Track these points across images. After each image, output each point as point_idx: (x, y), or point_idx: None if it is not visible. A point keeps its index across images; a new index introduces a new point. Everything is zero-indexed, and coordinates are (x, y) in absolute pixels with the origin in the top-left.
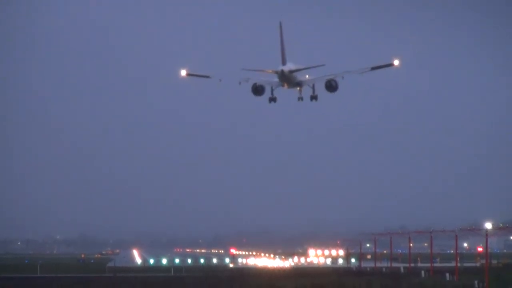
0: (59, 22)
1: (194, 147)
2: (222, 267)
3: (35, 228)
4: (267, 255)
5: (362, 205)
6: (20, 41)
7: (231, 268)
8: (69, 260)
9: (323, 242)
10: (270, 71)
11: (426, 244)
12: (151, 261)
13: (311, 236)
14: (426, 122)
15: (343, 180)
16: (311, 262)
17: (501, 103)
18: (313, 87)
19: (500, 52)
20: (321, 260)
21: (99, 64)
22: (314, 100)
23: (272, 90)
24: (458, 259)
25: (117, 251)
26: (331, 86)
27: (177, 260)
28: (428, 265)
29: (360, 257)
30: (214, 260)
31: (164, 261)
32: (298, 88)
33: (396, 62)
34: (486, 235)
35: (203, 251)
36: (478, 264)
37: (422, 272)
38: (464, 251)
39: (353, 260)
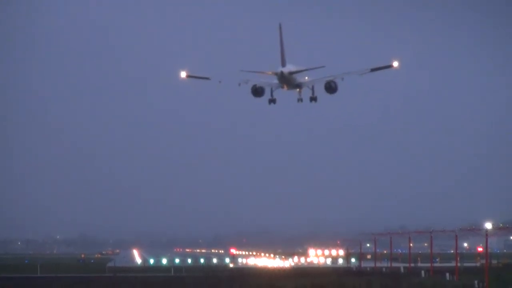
0: (59, 22)
1: (194, 147)
2: (222, 267)
3: (35, 228)
4: (267, 255)
5: (362, 205)
6: (20, 41)
7: (231, 268)
8: (69, 260)
9: (323, 242)
10: (270, 72)
11: (426, 244)
12: (151, 261)
13: (311, 236)
14: (426, 122)
15: (343, 180)
16: (311, 262)
17: (501, 103)
18: (312, 89)
19: (500, 52)
20: (321, 260)
21: (99, 64)
22: (313, 102)
23: (271, 92)
24: (458, 259)
25: (117, 251)
26: (330, 87)
27: (177, 260)
28: (428, 265)
29: (360, 257)
30: (214, 260)
31: (164, 261)
32: (298, 89)
33: (395, 64)
34: (486, 235)
35: (203, 251)
36: (478, 264)
37: (422, 272)
38: (464, 251)
39: (353, 260)
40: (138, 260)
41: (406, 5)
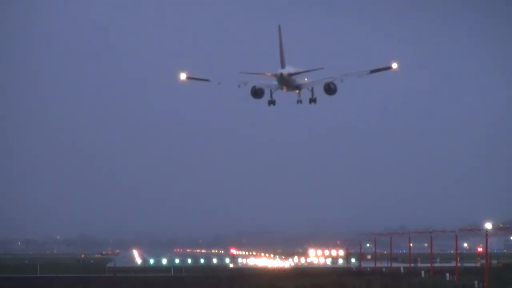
0: (59, 22)
1: (194, 147)
2: (222, 267)
3: (35, 228)
4: (267, 255)
5: (362, 205)
6: (20, 41)
7: (231, 268)
8: (69, 260)
9: (323, 242)
10: (269, 74)
11: (426, 244)
12: (151, 261)
13: (311, 236)
14: (426, 122)
15: (343, 180)
16: (311, 262)
17: (501, 103)
18: (312, 90)
19: (500, 52)
20: (321, 260)
21: (99, 64)
22: (313, 103)
23: (271, 93)
24: (458, 259)
25: (117, 251)
26: (330, 89)
27: (177, 260)
28: (428, 265)
29: (360, 257)
30: (214, 260)
31: (164, 261)
32: (297, 91)
33: (394, 66)
34: (486, 235)
35: (203, 251)
36: (478, 264)
37: (422, 272)
38: (464, 251)
39: (353, 260)
40: (138, 260)
41: (406, 5)
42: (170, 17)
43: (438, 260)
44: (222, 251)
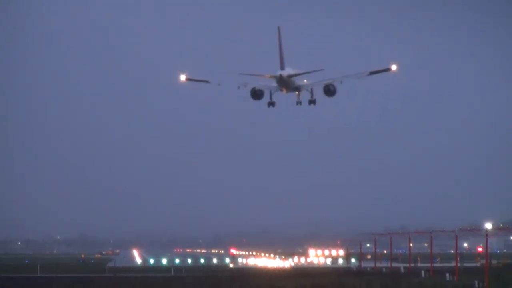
0: (59, 22)
1: (194, 147)
2: (222, 267)
3: (35, 228)
4: (267, 255)
5: (362, 205)
6: (20, 41)
7: (231, 268)
8: (69, 260)
9: (323, 242)
10: (269, 75)
11: (426, 244)
12: (151, 261)
13: (311, 236)
14: (426, 122)
15: (343, 180)
16: (311, 262)
17: (501, 103)
18: (311, 92)
19: (500, 52)
20: (321, 260)
21: (99, 64)
22: (312, 104)
23: (271, 95)
24: (458, 259)
25: (117, 251)
26: (329, 90)
27: (177, 260)
28: (428, 265)
29: (360, 257)
30: (214, 260)
31: (164, 261)
32: (297, 92)
33: (393, 67)
34: (486, 235)
35: (203, 251)
36: (478, 264)
37: (422, 272)
38: (464, 251)
39: (353, 260)
40: (138, 260)
41: (406, 5)
42: (170, 17)
43: (438, 260)
44: (222, 251)
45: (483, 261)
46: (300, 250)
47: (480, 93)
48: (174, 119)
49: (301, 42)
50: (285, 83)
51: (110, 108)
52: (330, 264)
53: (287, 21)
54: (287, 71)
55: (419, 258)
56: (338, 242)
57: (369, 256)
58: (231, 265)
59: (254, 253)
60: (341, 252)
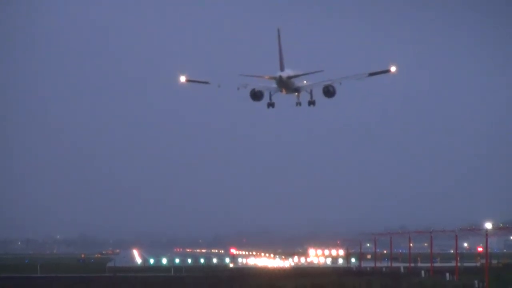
0: (59, 22)
1: (194, 147)
2: (222, 267)
3: (35, 228)
4: (267, 255)
5: (362, 205)
6: (20, 41)
7: (231, 268)
8: (69, 260)
9: (323, 242)
10: (268, 77)
11: (426, 244)
12: (151, 261)
13: (311, 236)
14: (426, 122)
15: (343, 180)
16: (311, 262)
17: (501, 103)
18: (311, 93)
19: (500, 52)
20: (321, 260)
21: (99, 64)
22: (312, 106)
23: (270, 96)
24: (458, 259)
25: (117, 251)
26: (328, 91)
27: (177, 260)
28: (428, 265)
29: (360, 257)
30: (214, 260)
31: (164, 261)
32: (296, 93)
33: (393, 69)
34: (486, 235)
35: (203, 251)
36: (478, 264)
37: (422, 272)
38: (464, 251)
39: (353, 260)
40: (138, 260)
41: (406, 5)
42: (170, 17)
43: (438, 260)
44: (222, 251)
45: (483, 261)
46: (300, 250)
47: (480, 93)
48: (174, 119)
49: (301, 42)
50: (285, 84)
51: (110, 108)
52: (330, 264)
53: (287, 21)
54: (287, 72)
55: (419, 258)
56: (338, 242)
57: (369, 256)
58: (231, 265)
59: (254, 253)
60: (341, 252)
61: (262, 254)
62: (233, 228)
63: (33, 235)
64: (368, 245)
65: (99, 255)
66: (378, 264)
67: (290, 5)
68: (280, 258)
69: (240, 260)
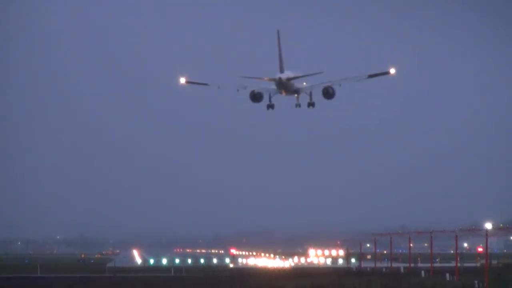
0: (59, 22)
1: (194, 147)
2: (222, 267)
3: (35, 228)
4: (267, 255)
5: (362, 205)
6: (20, 41)
7: (231, 268)
8: (69, 260)
9: (323, 242)
10: (268, 78)
11: (426, 244)
12: (151, 261)
13: (311, 236)
14: (426, 122)
15: (343, 180)
16: (311, 262)
17: (501, 103)
18: (310, 94)
19: (500, 52)
20: (321, 260)
21: (99, 64)
22: (311, 107)
23: (270, 97)
24: (458, 259)
25: (117, 251)
26: (328, 93)
27: (177, 260)
28: (428, 265)
29: (360, 257)
30: (214, 260)
31: (164, 261)
32: (296, 95)
33: (392, 71)
34: (486, 235)
35: (203, 251)
36: (478, 264)
37: (422, 272)
38: (464, 251)
39: (353, 260)
40: (138, 260)
41: (406, 5)
42: (170, 17)
43: (438, 260)
44: (222, 251)
45: (483, 261)
46: (300, 250)
47: (480, 93)
48: (174, 119)
49: (301, 43)
50: (284, 86)
51: (110, 108)
52: (330, 264)
53: (287, 22)
54: (286, 74)
55: (419, 258)
56: (338, 242)
57: (369, 256)
58: (231, 265)
59: (254, 253)
60: (341, 252)
61: (262, 254)
62: (233, 228)
63: (33, 235)
64: (368, 245)
65: (99, 256)
66: (378, 265)
67: (290, 5)
68: (280, 258)
69: (240, 260)
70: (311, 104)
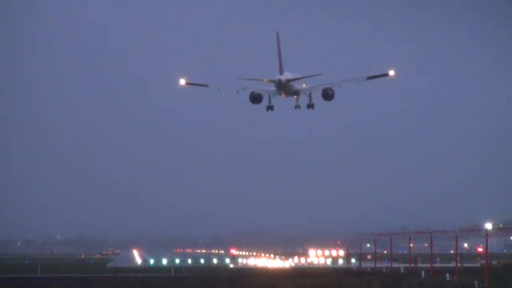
0: (59, 22)
1: (194, 147)
2: (222, 268)
3: (35, 228)
4: (267, 255)
5: (362, 205)
6: (20, 41)
7: (231, 269)
8: (69, 260)
9: (323, 242)
10: (267, 80)
11: (426, 245)
12: (151, 261)
13: (311, 236)
14: (426, 122)
15: (343, 180)
16: (311, 262)
17: (501, 103)
18: (309, 96)
19: (500, 52)
20: (321, 260)
21: (99, 64)
22: (310, 109)
23: (269, 99)
24: (458, 259)
25: (117, 251)
26: (327, 94)
27: (177, 260)
28: (428, 265)
29: (360, 257)
30: (214, 261)
31: (164, 261)
32: (295, 96)
33: (391, 73)
34: (486, 235)
35: (203, 251)
36: (478, 265)
37: (422, 272)
38: (464, 252)
39: (353, 260)
40: (138, 261)
41: (406, 5)
42: (170, 17)
43: (438, 260)
44: (222, 251)
45: (483, 261)
46: (300, 250)
47: (480, 93)
48: (174, 119)
49: (301, 43)
50: (284, 88)
51: (110, 108)
52: (330, 264)
53: (286, 22)
54: (286, 75)
55: (419, 259)
56: (338, 242)
57: (369, 256)
58: (231, 265)
59: (254, 253)
60: (341, 253)
61: (262, 254)
62: (233, 228)
63: (33, 235)
64: (368, 245)
65: (99, 256)
66: (378, 265)
67: (289, 6)
68: (280, 258)
69: (240, 260)
70: (310, 106)
